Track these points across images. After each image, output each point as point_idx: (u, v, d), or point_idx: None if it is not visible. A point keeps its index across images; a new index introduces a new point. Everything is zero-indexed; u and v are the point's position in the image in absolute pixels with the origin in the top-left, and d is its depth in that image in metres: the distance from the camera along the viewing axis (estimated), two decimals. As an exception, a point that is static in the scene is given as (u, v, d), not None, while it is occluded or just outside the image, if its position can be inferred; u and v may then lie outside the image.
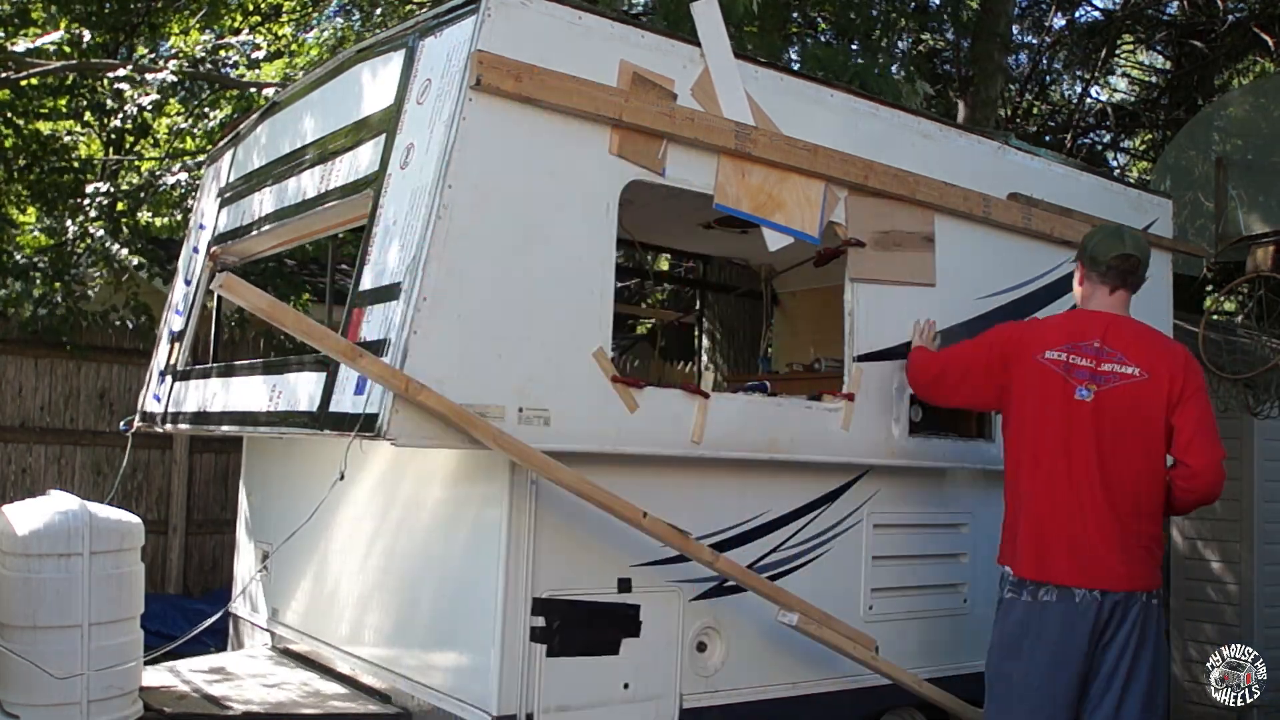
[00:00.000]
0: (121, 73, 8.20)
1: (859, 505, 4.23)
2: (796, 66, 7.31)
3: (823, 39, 9.47)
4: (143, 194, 9.07)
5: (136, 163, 10.96)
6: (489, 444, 3.16)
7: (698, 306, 7.81)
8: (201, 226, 5.16)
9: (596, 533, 3.55)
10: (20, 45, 8.55)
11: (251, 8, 11.25)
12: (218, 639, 4.95)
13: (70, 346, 7.51)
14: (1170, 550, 7.07)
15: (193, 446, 7.94)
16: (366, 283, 3.42)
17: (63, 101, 10.30)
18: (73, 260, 7.91)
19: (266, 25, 11.10)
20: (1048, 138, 14.13)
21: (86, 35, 9.07)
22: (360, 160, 3.77)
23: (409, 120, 3.51)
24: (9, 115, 9.57)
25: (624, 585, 3.63)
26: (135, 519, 3.59)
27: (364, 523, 4.18)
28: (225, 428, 4.27)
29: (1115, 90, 16.17)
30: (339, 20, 9.27)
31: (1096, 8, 14.55)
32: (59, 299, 7.33)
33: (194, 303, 4.91)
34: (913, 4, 10.38)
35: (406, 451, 3.55)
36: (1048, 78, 15.16)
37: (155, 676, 4.03)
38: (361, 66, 3.97)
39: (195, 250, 5.12)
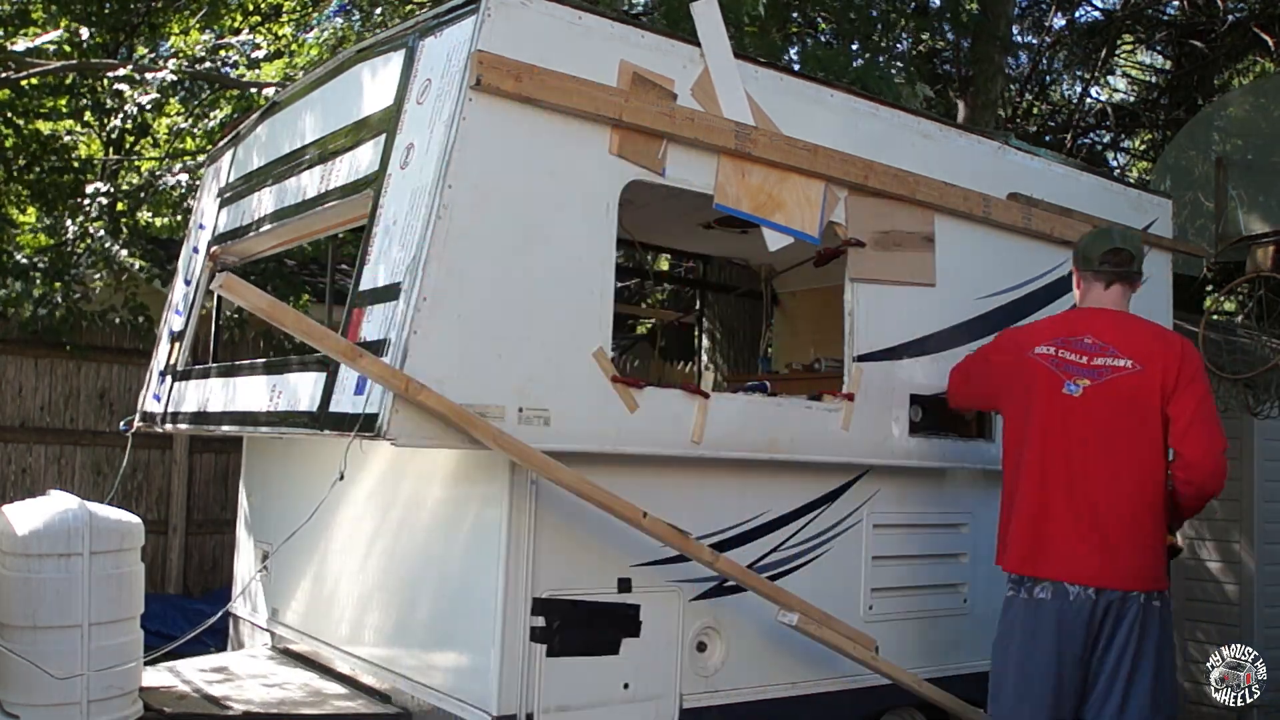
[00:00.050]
0: (121, 73, 8.19)
1: (859, 505, 4.23)
2: (796, 66, 7.31)
3: (823, 39, 9.47)
4: (143, 194, 9.07)
5: (136, 163, 10.96)
6: (489, 444, 3.16)
7: (698, 306, 7.81)
8: (201, 226, 5.16)
9: (596, 533, 3.55)
10: (20, 45, 8.54)
11: (251, 8, 11.25)
12: (218, 639, 4.95)
13: (70, 346, 7.51)
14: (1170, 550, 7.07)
15: (193, 446, 7.94)
16: (366, 283, 3.42)
17: (63, 101, 10.29)
18: (73, 260, 7.91)
19: (266, 25, 11.09)
20: (1048, 138, 14.13)
21: (85, 34, 9.07)
22: (360, 160, 3.77)
23: (409, 120, 3.51)
24: (9, 115, 9.57)
25: (624, 585, 3.63)
26: (135, 519, 3.59)
27: (364, 523, 4.18)
28: (225, 428, 4.27)
29: (1115, 90, 16.16)
30: (339, 20, 9.27)
31: (1096, 8, 14.55)
32: (59, 299, 7.33)
33: (194, 303, 4.91)
34: (913, 4, 10.38)
35: (406, 451, 3.55)
36: (1048, 78, 15.16)
37: (155, 676, 4.03)
38: (361, 66, 3.97)
39: (195, 250, 5.12)
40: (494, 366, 3.25)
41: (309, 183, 4.12)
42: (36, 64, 8.49)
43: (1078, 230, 4.86)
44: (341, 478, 3.33)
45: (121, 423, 5.17)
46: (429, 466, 3.82)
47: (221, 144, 5.33)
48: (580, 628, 3.53)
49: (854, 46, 8.34)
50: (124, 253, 7.71)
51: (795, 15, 8.88)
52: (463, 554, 3.65)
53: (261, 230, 4.47)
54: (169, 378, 4.88)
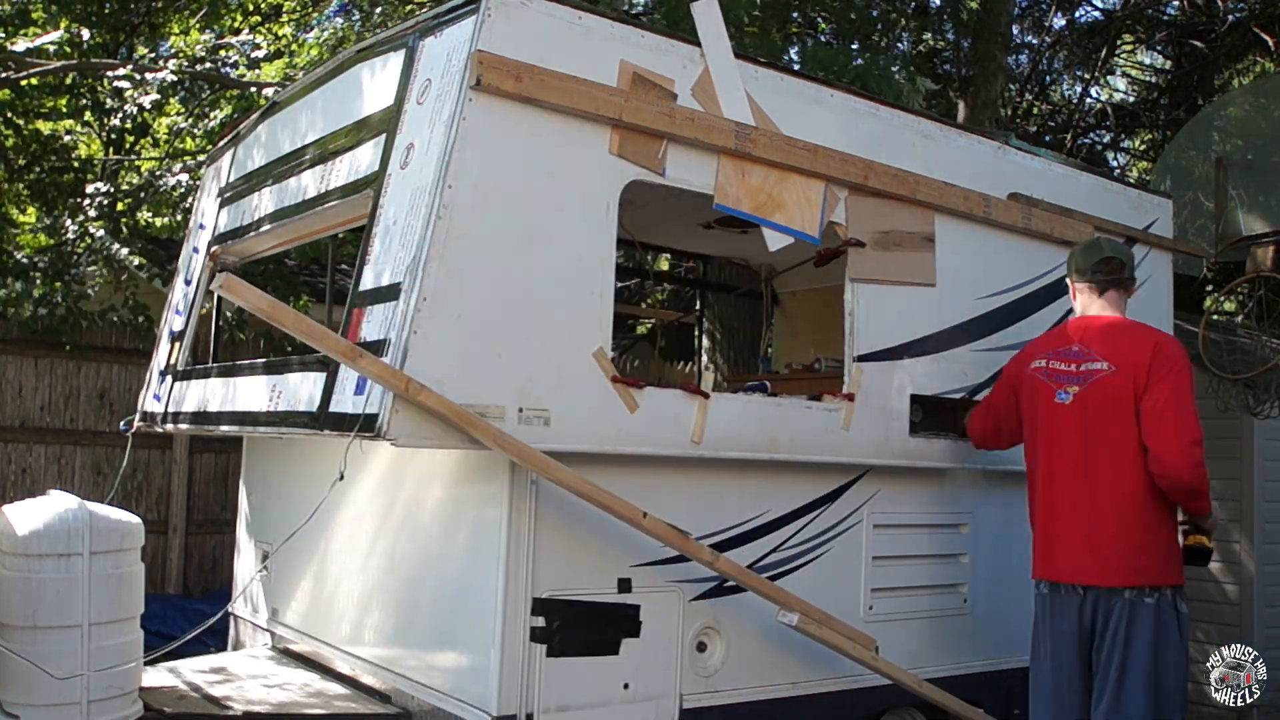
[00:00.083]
0: (121, 72, 8.19)
1: (859, 505, 4.22)
2: (796, 66, 7.31)
3: (823, 39, 9.47)
4: (143, 194, 9.07)
5: (136, 163, 10.95)
6: (489, 444, 3.16)
7: (698, 306, 7.81)
8: (201, 226, 5.16)
9: (596, 533, 3.55)
10: (20, 45, 8.54)
11: (251, 8, 11.25)
12: (218, 639, 4.94)
13: (70, 346, 7.51)
14: (1170, 550, 7.06)
15: (193, 446, 7.94)
16: (366, 283, 3.42)
17: (63, 101, 10.29)
18: (73, 260, 7.91)
19: (266, 25, 11.09)
20: (1048, 138, 14.13)
21: (85, 34, 9.06)
22: (360, 160, 3.77)
23: (409, 120, 3.51)
24: (9, 115, 9.57)
25: (624, 585, 3.63)
26: (135, 519, 3.59)
27: (364, 523, 4.18)
28: (225, 428, 4.27)
29: (1115, 90, 16.16)
30: (339, 20, 9.26)
31: (1096, 8, 14.56)
32: (59, 299, 7.33)
33: (194, 303, 4.91)
34: (913, 4, 10.38)
35: (406, 452, 3.55)
36: (1048, 78, 15.16)
37: (155, 676, 4.03)
38: (361, 66, 3.97)
39: (195, 250, 5.12)
40: (494, 366, 3.25)
41: (309, 183, 4.12)
42: (36, 64, 8.49)
43: (1078, 230, 4.86)
44: (341, 478, 3.33)
45: (121, 423, 5.17)
46: (429, 467, 3.82)
47: (221, 144, 5.33)
48: (580, 628, 3.53)
49: (854, 46, 8.33)
50: (124, 252, 7.71)
51: (795, 15, 8.88)
52: (463, 554, 3.65)
53: (261, 230, 4.47)
54: (169, 378, 4.88)
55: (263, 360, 4.77)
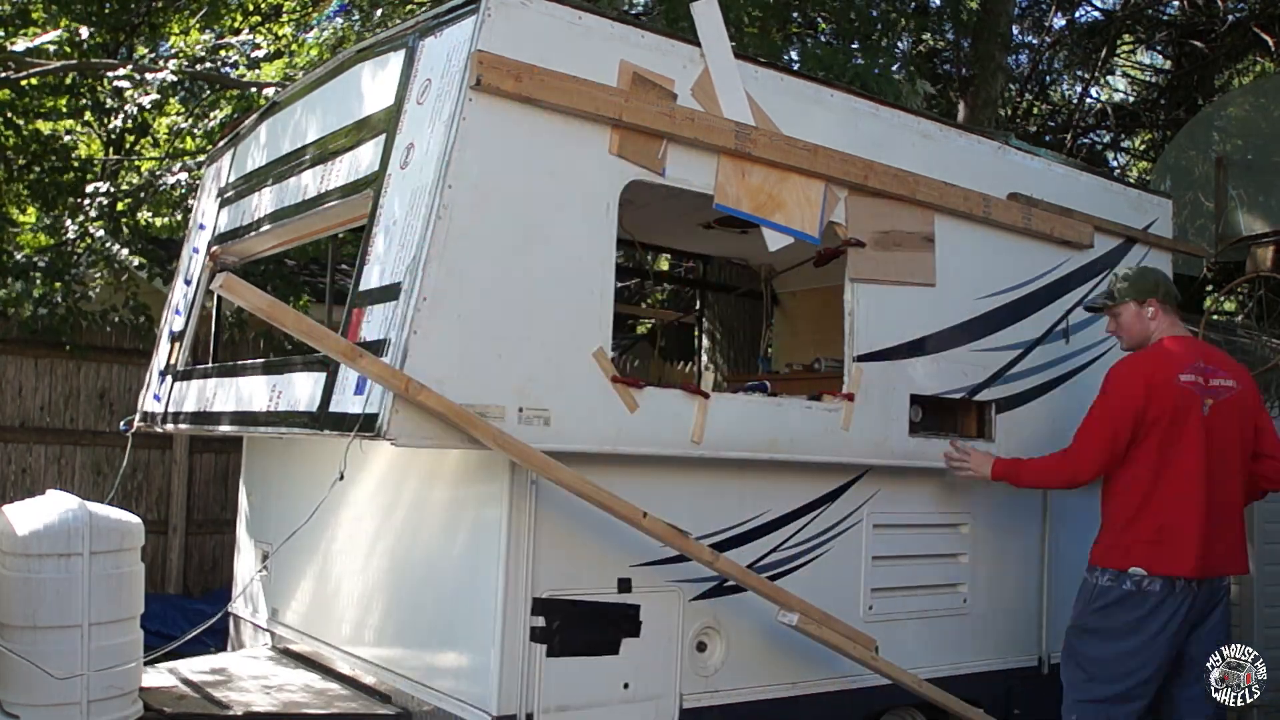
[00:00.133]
0: (121, 72, 8.19)
1: (859, 505, 4.22)
2: (796, 66, 7.31)
3: (823, 39, 9.47)
4: (143, 194, 9.06)
5: (136, 163, 10.95)
6: (489, 444, 3.16)
7: (698, 306, 7.81)
8: (201, 226, 5.16)
9: (596, 533, 3.55)
10: (20, 45, 8.54)
11: (251, 8, 11.25)
12: (218, 639, 4.95)
13: (70, 346, 7.51)
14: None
15: (193, 446, 7.94)
16: (366, 283, 3.42)
17: (63, 101, 10.29)
18: (73, 260, 7.91)
19: (266, 25, 11.09)
20: (1048, 138, 14.13)
21: (85, 34, 9.06)
22: (360, 160, 3.77)
23: (409, 120, 3.51)
24: (9, 115, 9.57)
25: (624, 585, 3.63)
26: (135, 519, 3.59)
27: (364, 523, 4.18)
28: (225, 428, 4.27)
29: (1115, 90, 16.17)
30: (339, 20, 9.25)
31: (1096, 8, 14.56)
32: (59, 299, 7.33)
33: (194, 303, 4.91)
34: (913, 4, 10.38)
35: (406, 451, 3.55)
36: (1048, 78, 15.17)
37: (155, 676, 4.03)
38: (361, 66, 3.97)
39: (195, 250, 5.12)
40: (494, 366, 3.25)
41: (309, 183, 4.12)
42: (36, 64, 8.49)
43: (1078, 230, 4.86)
44: (341, 478, 3.33)
45: (121, 423, 5.17)
46: (429, 467, 3.82)
47: (221, 144, 5.33)
48: (580, 628, 3.53)
49: (854, 46, 8.33)
50: (124, 252, 7.71)
51: (795, 15, 8.88)
52: (463, 554, 3.65)
53: (261, 230, 4.47)
54: (169, 378, 4.88)
55: (263, 360, 4.77)
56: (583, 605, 3.54)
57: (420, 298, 3.13)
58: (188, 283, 5.08)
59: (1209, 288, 11.06)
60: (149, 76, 8.03)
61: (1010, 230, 4.64)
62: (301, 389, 3.67)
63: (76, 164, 10.39)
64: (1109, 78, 15.65)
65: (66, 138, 10.69)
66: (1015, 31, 13.09)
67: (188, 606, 7.24)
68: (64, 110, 10.50)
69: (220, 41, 9.02)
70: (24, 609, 3.28)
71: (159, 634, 4.60)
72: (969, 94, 10.39)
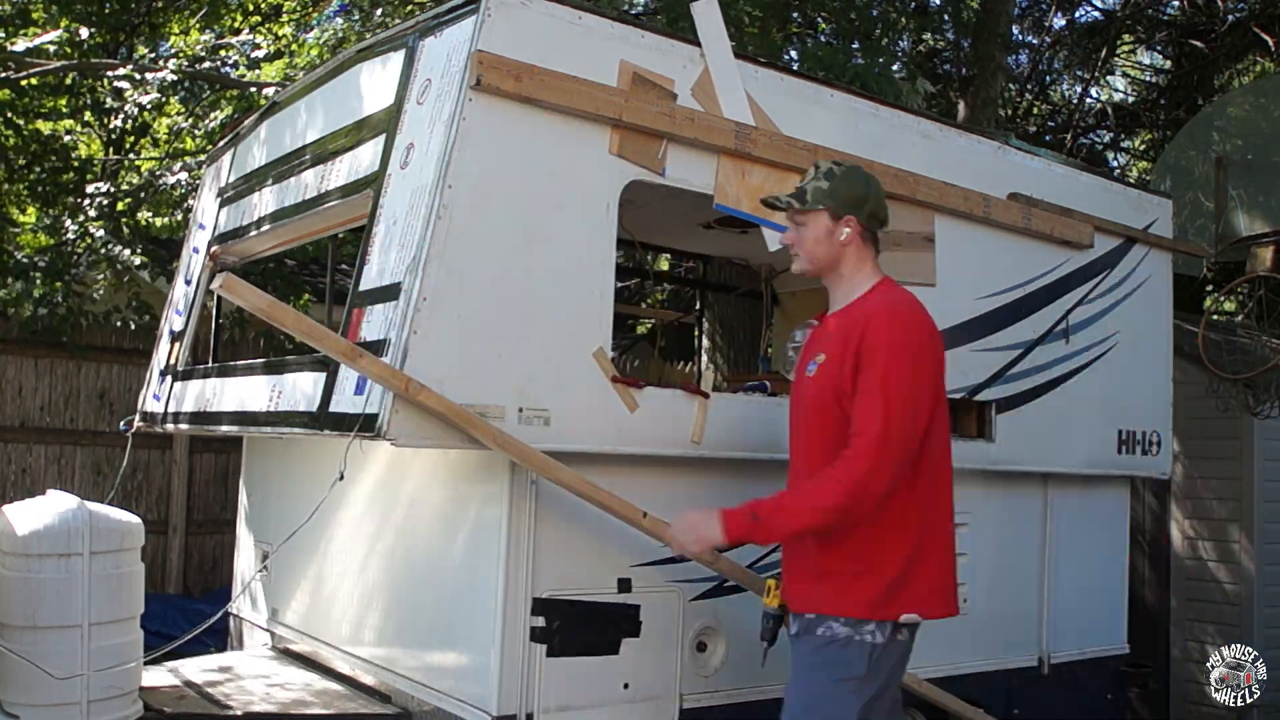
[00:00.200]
0: (121, 72, 8.20)
1: (859, 505, 4.22)
2: (796, 66, 7.31)
3: (823, 39, 9.47)
4: (143, 194, 9.07)
5: (136, 162, 10.95)
6: (489, 444, 3.16)
7: (698, 306, 7.81)
8: (201, 226, 5.16)
9: (596, 533, 3.55)
10: (20, 45, 8.54)
11: (251, 8, 11.25)
12: (218, 639, 4.95)
13: (71, 346, 7.51)
14: (1170, 550, 7.08)
15: (193, 446, 7.94)
16: (366, 283, 3.42)
17: (63, 101, 10.29)
18: (73, 260, 7.91)
19: (266, 25, 11.09)
20: (1048, 138, 14.12)
21: (85, 34, 9.06)
22: (360, 160, 3.77)
23: (409, 120, 3.51)
24: (9, 115, 9.57)
25: (624, 585, 3.63)
26: (135, 519, 3.59)
27: (364, 523, 4.17)
28: (225, 428, 4.27)
29: (1115, 90, 16.16)
30: (339, 21, 9.26)
31: (1096, 8, 14.55)
32: (59, 299, 7.33)
33: (194, 303, 4.91)
34: (913, 4, 10.38)
35: (406, 451, 3.55)
36: (1048, 78, 15.16)
37: (155, 676, 4.03)
38: (361, 66, 3.97)
39: (195, 250, 5.12)
40: (494, 366, 3.25)
41: (309, 183, 4.12)
42: (36, 64, 8.49)
43: (1078, 230, 4.86)
44: (341, 478, 3.33)
45: (121, 423, 5.17)
46: (429, 466, 3.82)
47: (221, 144, 5.33)
48: (580, 628, 3.53)
49: (854, 46, 8.33)
50: (126, 252, 7.71)
51: (795, 15, 8.88)
52: (463, 554, 3.65)
53: (261, 230, 4.47)
54: (169, 377, 4.88)
55: (263, 360, 4.77)
56: (582, 605, 3.54)
57: (420, 298, 3.13)
58: (188, 282, 5.08)
59: (1209, 288, 11.06)
60: (149, 76, 8.03)
61: (1010, 230, 4.64)
62: (301, 389, 3.67)
63: (76, 164, 10.39)
64: (1109, 78, 15.64)
65: (66, 138, 10.69)
66: (1015, 31, 13.08)
67: (188, 606, 7.24)
68: (64, 110, 10.50)
69: (220, 41, 9.02)
70: (24, 609, 3.28)
71: (159, 634, 4.60)
72: (969, 94, 10.38)
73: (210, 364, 4.83)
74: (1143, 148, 15.28)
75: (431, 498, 3.87)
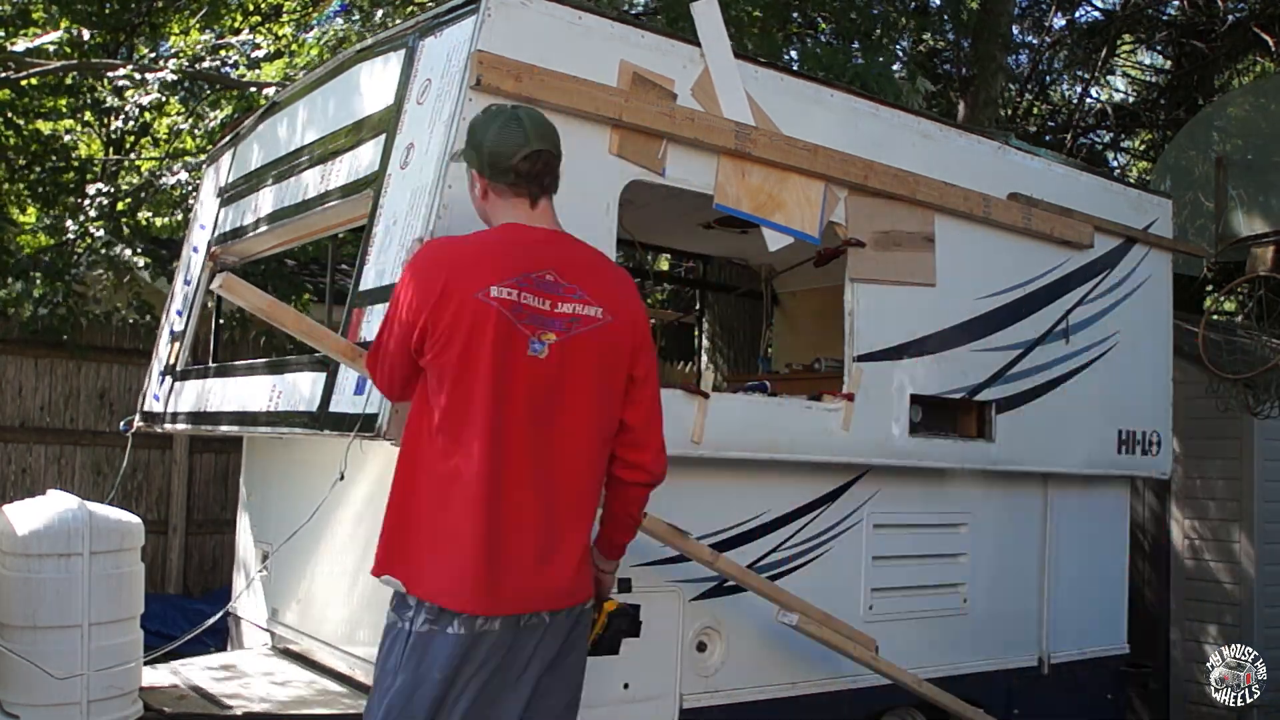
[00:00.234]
0: (121, 72, 8.20)
1: (859, 505, 4.22)
2: (796, 66, 7.31)
3: (823, 39, 9.47)
4: (143, 194, 9.07)
5: (137, 162, 10.95)
6: (489, 444, 3.15)
7: (698, 306, 7.81)
8: (201, 226, 5.16)
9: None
10: (20, 45, 8.54)
11: (251, 8, 11.25)
12: (218, 639, 4.94)
13: (71, 346, 7.51)
14: (1170, 550, 7.08)
15: (193, 446, 7.94)
16: (367, 283, 3.42)
17: (63, 101, 10.29)
18: (73, 260, 7.91)
19: (266, 25, 11.09)
20: (1048, 138, 14.13)
21: (86, 34, 9.06)
22: (360, 160, 3.77)
23: (409, 120, 3.50)
24: (9, 115, 9.57)
25: (624, 585, 3.62)
26: (135, 519, 3.58)
27: (364, 523, 4.17)
28: (225, 428, 4.27)
29: (1115, 90, 16.16)
30: (339, 21, 9.25)
31: (1096, 8, 14.55)
32: (59, 299, 7.33)
33: (194, 303, 4.91)
34: (913, 4, 10.38)
35: (406, 451, 3.54)
36: (1048, 78, 15.16)
37: (155, 676, 4.03)
38: (361, 66, 3.97)
39: (195, 250, 5.12)
40: (494, 366, 3.24)
41: (309, 183, 4.11)
42: (36, 64, 8.49)
43: (1078, 230, 4.86)
44: (342, 478, 3.33)
45: (121, 423, 5.17)
46: (429, 466, 3.81)
47: (221, 144, 5.33)
48: (580, 628, 3.52)
49: (854, 46, 8.33)
50: (127, 252, 7.71)
51: (795, 15, 8.88)
52: (463, 554, 3.64)
53: (261, 230, 4.47)
54: (169, 377, 4.88)
55: (263, 360, 4.77)
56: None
57: (420, 298, 3.12)
58: (188, 282, 5.08)
59: (1209, 288, 11.06)
60: (149, 76, 8.03)
61: (1010, 230, 4.64)
62: (301, 389, 3.67)
63: (77, 164, 10.39)
64: (1109, 78, 15.65)
65: (66, 138, 10.69)
66: (1015, 31, 13.08)
67: (188, 606, 7.23)
68: (64, 110, 10.50)
69: (220, 41, 9.02)
70: (24, 609, 3.28)
71: (159, 634, 4.60)
72: (969, 94, 10.39)
73: (210, 364, 4.83)
74: (1143, 148, 15.28)
75: (431, 498, 3.86)
